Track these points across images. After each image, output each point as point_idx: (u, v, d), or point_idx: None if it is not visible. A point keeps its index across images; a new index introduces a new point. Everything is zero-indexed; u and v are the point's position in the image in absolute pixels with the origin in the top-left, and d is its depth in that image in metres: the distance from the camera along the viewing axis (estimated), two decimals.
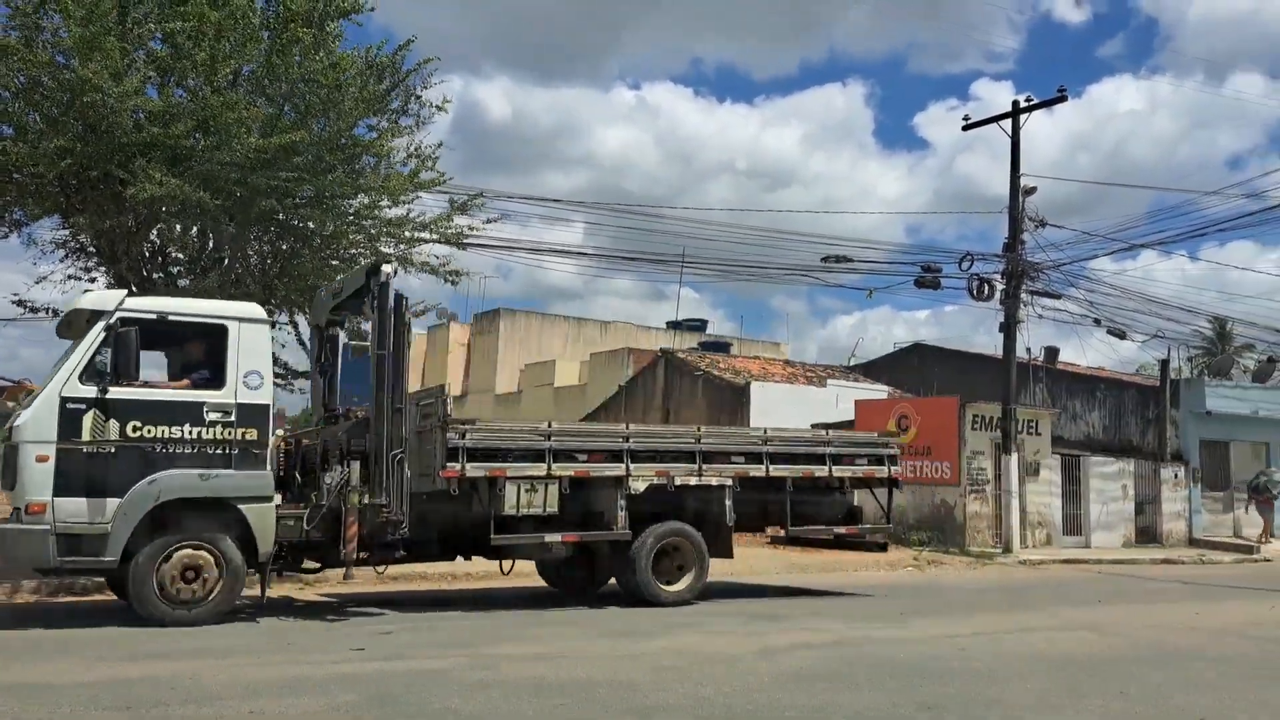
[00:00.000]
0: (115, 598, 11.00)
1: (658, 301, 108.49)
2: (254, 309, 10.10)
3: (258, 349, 9.62)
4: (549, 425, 11.08)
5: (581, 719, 5.99)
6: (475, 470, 10.38)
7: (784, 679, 7.20)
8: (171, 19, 11.83)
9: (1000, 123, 21.07)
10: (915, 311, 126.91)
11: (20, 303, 14.04)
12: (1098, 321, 22.92)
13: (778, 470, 12.00)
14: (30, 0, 11.57)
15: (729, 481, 11.65)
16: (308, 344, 14.75)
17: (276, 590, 11.39)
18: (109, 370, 8.90)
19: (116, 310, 9.17)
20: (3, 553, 9.11)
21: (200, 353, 9.62)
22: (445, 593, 12.70)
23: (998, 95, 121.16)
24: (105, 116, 11.23)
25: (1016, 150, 20.79)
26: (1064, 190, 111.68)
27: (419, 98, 13.59)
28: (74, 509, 8.76)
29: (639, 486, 11.12)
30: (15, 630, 8.92)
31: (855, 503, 13.60)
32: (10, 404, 10.82)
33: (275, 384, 14.99)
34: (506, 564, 12.07)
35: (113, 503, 8.86)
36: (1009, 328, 20.67)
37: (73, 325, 9.67)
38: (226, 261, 13.57)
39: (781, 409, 25.42)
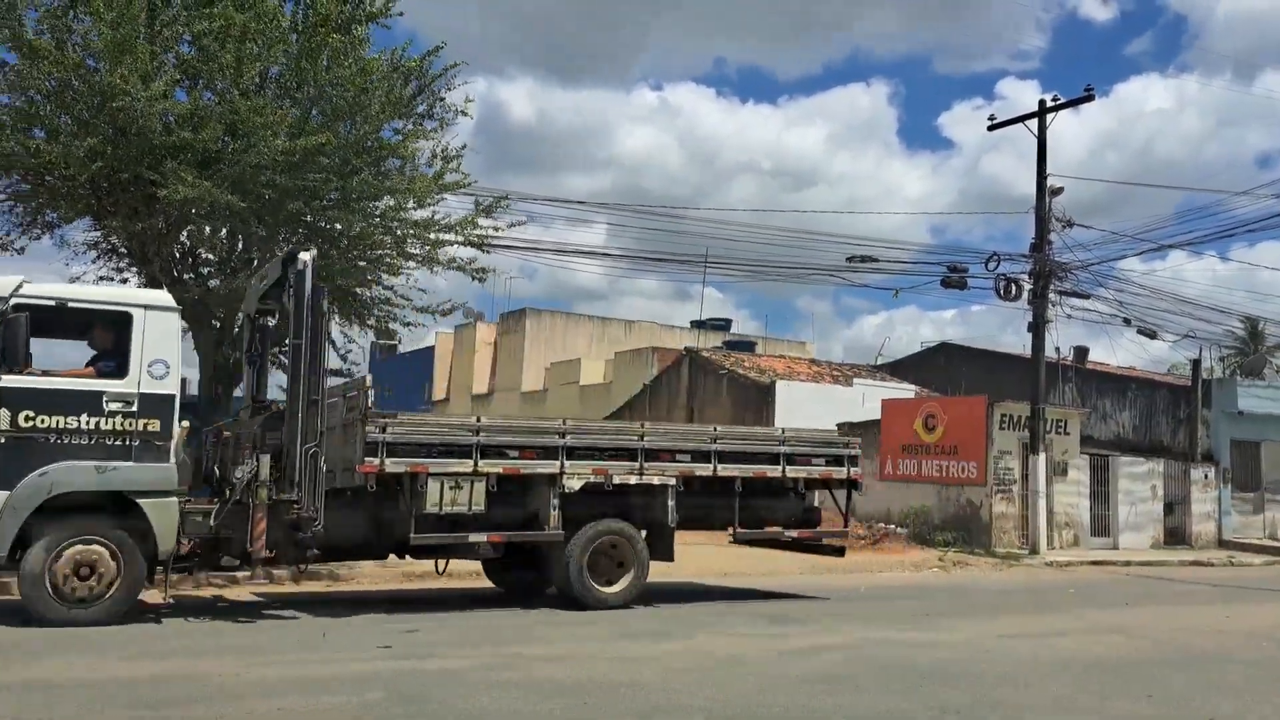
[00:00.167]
0: (149, 599, 11.16)
1: (682, 301, 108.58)
2: (162, 296, 9.72)
3: (165, 337, 9.22)
4: (478, 420, 10.64)
5: (606, 718, 6.02)
6: (395, 466, 9.95)
7: (803, 681, 7.21)
8: (199, 21, 11.97)
9: (1026, 122, 20.93)
10: (942, 311, 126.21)
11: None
12: (1127, 321, 22.72)
13: (727, 470, 11.56)
14: (60, 2, 11.73)
15: (672, 481, 11.20)
16: (336, 343, 14.97)
17: (217, 590, 11.38)
18: None
19: (12, 296, 8.78)
20: None
21: (104, 340, 9.25)
22: (379, 593, 12.51)
23: (1024, 94, 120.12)
24: (135, 120, 11.39)
25: (1043, 150, 20.63)
26: (1091, 190, 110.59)
27: (443, 100, 13.70)
28: None
29: (574, 485, 10.69)
30: (37, 629, 9.05)
31: (815, 504, 13.20)
32: None
33: None
34: (442, 563, 11.61)
35: (1, 495, 8.51)
36: (1037, 327, 20.52)
37: None
38: (255, 262, 13.72)
39: (807, 408, 25.36)
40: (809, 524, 12.69)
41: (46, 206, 13.12)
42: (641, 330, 41.83)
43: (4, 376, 8.61)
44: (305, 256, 9.89)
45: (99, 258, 14.21)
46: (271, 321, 11.52)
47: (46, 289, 9.26)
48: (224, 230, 13.71)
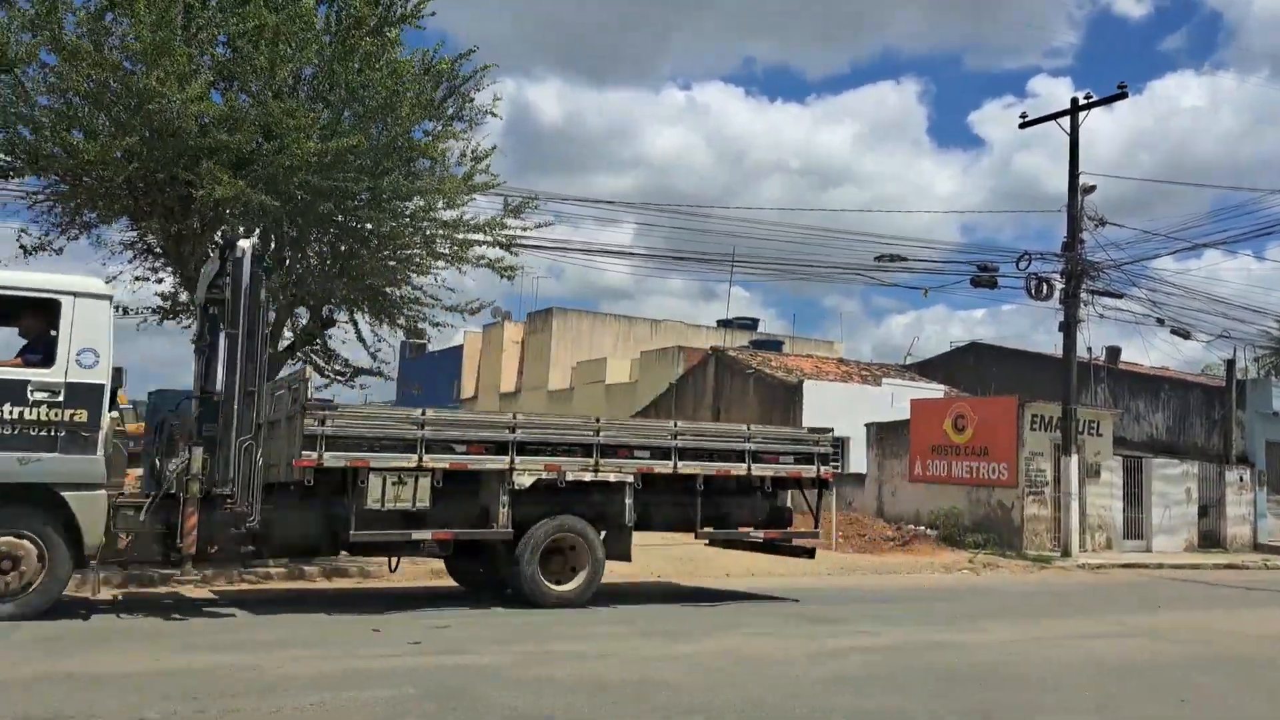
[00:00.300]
0: (188, 593, 11.31)
1: (708, 301, 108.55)
2: (93, 283, 9.39)
3: (95, 326, 8.93)
4: (423, 413, 10.27)
5: (637, 717, 6.03)
6: (335, 460, 9.65)
7: (836, 682, 7.20)
8: (233, 22, 12.09)
9: (1058, 120, 20.74)
10: (972, 311, 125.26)
11: None
12: (1161, 321, 22.49)
13: (688, 467, 11.23)
14: (99, 3, 11.88)
15: (630, 478, 10.89)
16: (367, 341, 15.11)
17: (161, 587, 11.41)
18: None
19: None
20: None
21: (32, 328, 9.07)
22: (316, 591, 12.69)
23: (1056, 91, 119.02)
24: (171, 121, 11.52)
25: (1075, 148, 20.45)
26: (1124, 188, 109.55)
27: (471, 101, 13.76)
28: None
29: (525, 481, 10.40)
30: (73, 621, 9.19)
31: (786, 504, 12.75)
32: None
33: (336, 380, 15.52)
34: (394, 561, 11.38)
35: None
36: (1069, 327, 20.34)
37: None
38: (288, 262, 13.85)
39: (835, 408, 25.32)
40: (778, 524, 12.27)
41: (84, 207, 13.29)
42: (668, 329, 41.87)
43: None
44: (244, 244, 9.69)
45: (135, 258, 14.40)
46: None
47: None
48: (257, 230, 13.84)
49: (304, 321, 14.78)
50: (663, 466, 11.13)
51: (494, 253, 14.34)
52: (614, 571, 13.84)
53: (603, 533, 11.08)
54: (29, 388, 8.65)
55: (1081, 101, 20.51)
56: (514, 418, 10.82)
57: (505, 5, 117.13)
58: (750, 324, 43.07)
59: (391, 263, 14.15)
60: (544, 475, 10.54)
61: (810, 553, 12.82)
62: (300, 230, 13.32)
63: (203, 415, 9.64)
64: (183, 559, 9.46)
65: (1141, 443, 26.10)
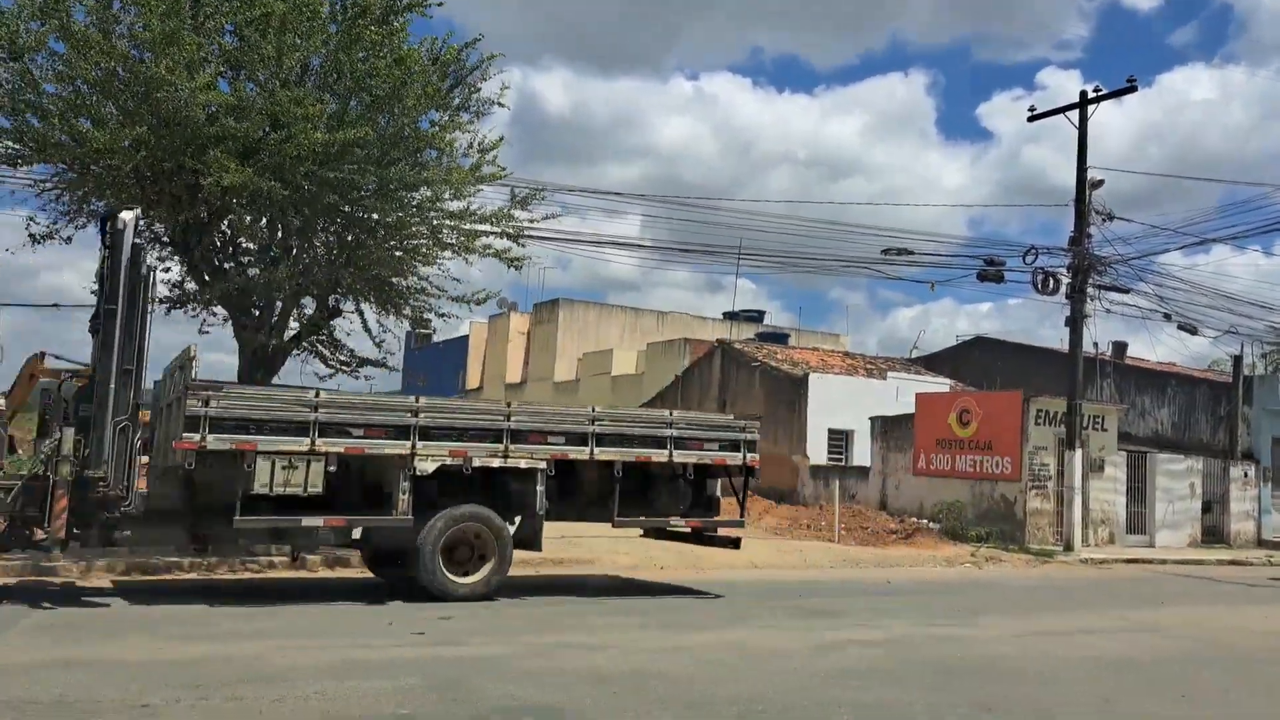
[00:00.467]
0: (188, 576, 11.38)
1: (714, 293, 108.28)
2: None
3: None
4: (317, 395, 9.88)
5: (637, 709, 6.07)
6: (219, 443, 9.22)
7: (836, 676, 7.22)
8: (240, 11, 12.10)
9: (1067, 114, 20.65)
10: (978, 304, 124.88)
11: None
12: (1168, 316, 22.40)
13: (605, 454, 10.88)
14: None
15: (542, 465, 10.52)
16: (372, 331, 15.13)
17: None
18: None
19: None
20: None
21: None
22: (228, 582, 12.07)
23: (1065, 84, 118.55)
24: (179, 110, 11.55)
25: (1083, 142, 20.38)
26: (1132, 183, 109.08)
27: (478, 90, 13.76)
28: None
29: (427, 467, 10.01)
30: (80, 609, 9.24)
31: (715, 493, 12.25)
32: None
33: (341, 370, 15.55)
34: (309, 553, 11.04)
35: None
36: (1075, 322, 20.30)
37: None
38: (295, 251, 13.88)
39: (840, 401, 25.34)
40: (705, 513, 11.95)
41: (92, 195, 13.32)
42: (674, 321, 41.87)
43: None
44: (126, 216, 9.34)
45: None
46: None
47: None
48: (264, 220, 13.87)
49: (310, 311, 14.81)
50: (578, 453, 10.81)
51: (501, 243, 14.35)
52: (618, 563, 13.91)
53: (517, 521, 10.82)
54: None
55: (1090, 95, 20.43)
56: (416, 401, 10.38)
57: None
58: (756, 316, 43.05)
59: (398, 253, 14.17)
60: (449, 461, 10.17)
61: (735, 543, 12.30)
62: (306, 220, 13.34)
63: (79, 394, 9.38)
64: (51, 543, 9.22)
65: (1146, 438, 26.05)
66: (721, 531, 12.19)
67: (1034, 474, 20.24)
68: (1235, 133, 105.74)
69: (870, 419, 23.79)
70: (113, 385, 9.13)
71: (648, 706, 6.13)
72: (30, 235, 13.38)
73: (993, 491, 20.59)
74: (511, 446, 10.47)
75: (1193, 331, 23.16)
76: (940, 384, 27.52)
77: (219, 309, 14.40)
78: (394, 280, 14.59)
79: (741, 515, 12.20)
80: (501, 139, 14.11)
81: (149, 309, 9.54)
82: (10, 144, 12.25)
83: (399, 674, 6.70)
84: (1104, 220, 20.37)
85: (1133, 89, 20.11)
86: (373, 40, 12.42)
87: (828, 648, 8.40)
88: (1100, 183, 20.51)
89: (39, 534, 9.35)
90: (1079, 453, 19.98)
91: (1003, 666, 7.83)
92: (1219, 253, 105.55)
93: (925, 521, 20.46)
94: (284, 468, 9.40)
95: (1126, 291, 21.11)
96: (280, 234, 13.86)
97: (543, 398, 36.79)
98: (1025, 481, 20.10)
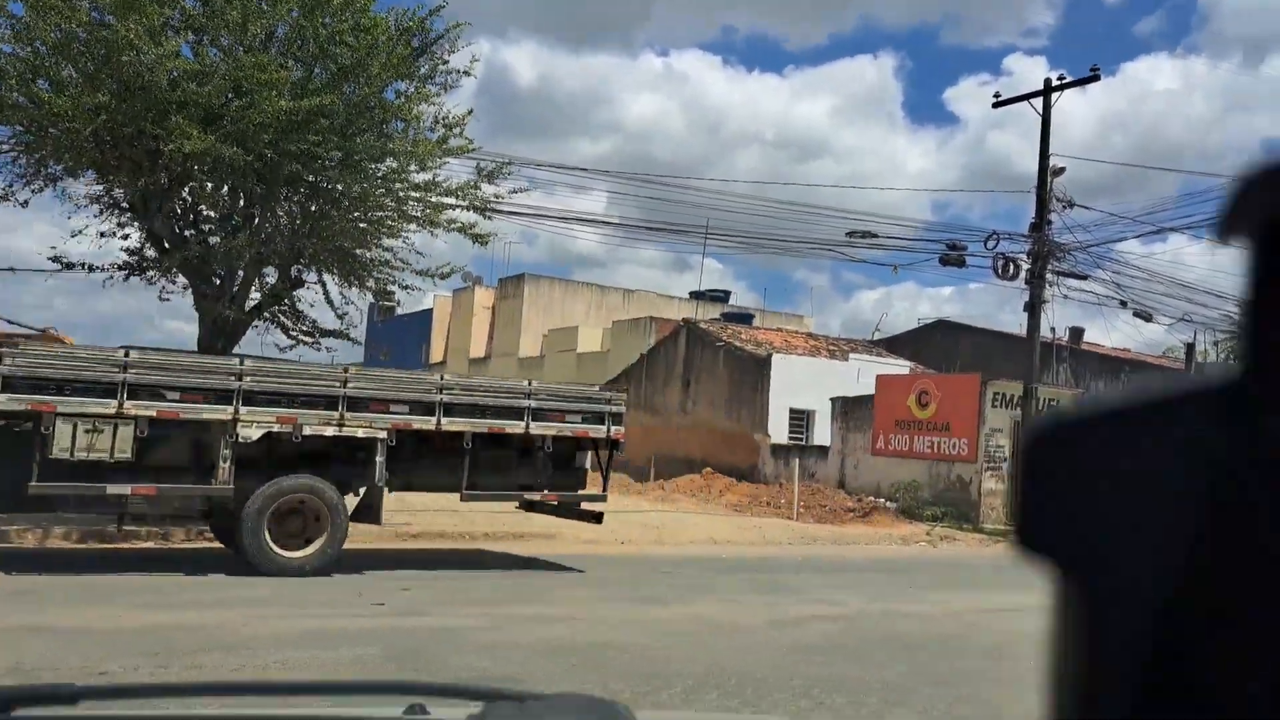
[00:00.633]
0: (145, 544, 11.30)
1: (680, 271, 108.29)
2: None
3: None
4: (125, 354, 9.34)
5: (596, 680, 6.15)
6: (12, 403, 8.74)
7: (795, 649, 7.36)
8: None
9: (1031, 101, 20.87)
10: (940, 288, 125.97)
11: (56, 258, 14.30)
12: (1124, 303, 22.77)
13: (455, 424, 10.49)
14: None
15: (382, 434, 10.12)
16: (335, 303, 15.04)
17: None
18: None
19: None
20: None
21: None
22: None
23: (1031, 70, 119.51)
24: (141, 75, 11.36)
25: (1047, 130, 20.60)
26: (1095, 171, 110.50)
27: (445, 62, 13.64)
28: None
29: (252, 434, 9.55)
30: (45, 576, 9.18)
31: (581, 465, 11.90)
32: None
33: (302, 342, 15.44)
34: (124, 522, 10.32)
35: None
36: (1033, 307, 20.58)
37: None
38: (257, 220, 13.73)
39: (803, 381, 25.54)
40: (567, 487, 11.56)
41: (50, 159, 13.09)
42: (640, 299, 41.88)
43: None
44: None
45: (101, 212, 14.19)
46: None
47: None
48: (225, 188, 13.71)
49: (271, 281, 14.68)
50: (423, 423, 10.40)
51: (467, 218, 14.29)
52: (581, 537, 13.98)
53: (360, 492, 10.54)
54: None
55: (1055, 83, 20.65)
56: (240, 363, 9.95)
57: None
58: (722, 296, 43.16)
59: (362, 224, 14.06)
60: (276, 428, 9.71)
61: (598, 517, 11.83)
62: (269, 189, 13.20)
63: None
64: None
65: None
66: (585, 506, 11.82)
67: (989, 455, 20.56)
68: (1197, 124, 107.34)
69: (831, 399, 24.03)
70: None
71: (607, 677, 6.21)
72: None
73: (949, 472, 20.90)
74: (349, 414, 10.03)
75: (1148, 319, 23.57)
76: (901, 366, 27.83)
77: (179, 276, 14.24)
78: (357, 252, 14.50)
79: (605, 488, 11.77)
80: (470, 112, 14.02)
81: None
82: None
83: (361, 644, 6.74)
84: (1065, 207, 20.63)
85: (1096, 78, 20.35)
86: (337, 6, 12.28)
87: (789, 623, 8.54)
88: (1062, 170, 20.75)
89: None
90: None
91: (955, 642, 8.01)
92: (1176, 242, 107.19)
93: (883, 501, 20.75)
94: (88, 431, 8.92)
95: (1084, 278, 21.42)
96: (242, 202, 13.70)
97: (507, 373, 36.71)
98: (981, 463, 20.42)
